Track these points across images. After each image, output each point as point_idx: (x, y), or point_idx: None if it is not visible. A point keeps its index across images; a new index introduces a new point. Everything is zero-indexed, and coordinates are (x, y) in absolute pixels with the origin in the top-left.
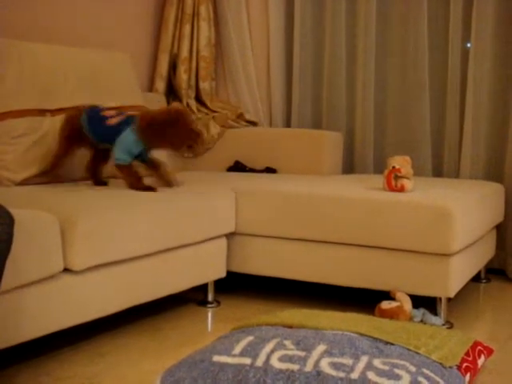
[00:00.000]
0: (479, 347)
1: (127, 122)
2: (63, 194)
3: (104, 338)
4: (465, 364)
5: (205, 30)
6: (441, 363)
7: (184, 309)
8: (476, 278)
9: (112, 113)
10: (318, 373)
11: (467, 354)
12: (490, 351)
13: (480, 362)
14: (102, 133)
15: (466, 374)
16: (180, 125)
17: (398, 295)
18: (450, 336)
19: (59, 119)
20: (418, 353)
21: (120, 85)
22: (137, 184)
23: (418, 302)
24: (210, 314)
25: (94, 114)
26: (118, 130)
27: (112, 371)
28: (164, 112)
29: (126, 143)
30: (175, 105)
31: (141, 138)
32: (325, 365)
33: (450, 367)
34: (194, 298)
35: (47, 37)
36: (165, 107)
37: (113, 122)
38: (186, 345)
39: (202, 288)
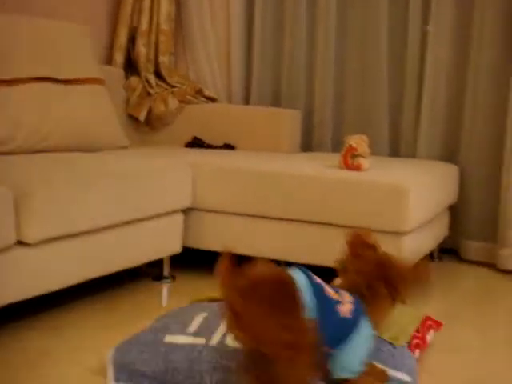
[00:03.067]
0: (428, 322)
1: (359, 307)
2: (18, 166)
3: (59, 312)
4: (415, 341)
5: (165, 4)
6: (391, 343)
7: (140, 283)
8: (429, 258)
9: (336, 295)
10: None
11: (417, 330)
12: (438, 325)
13: (429, 336)
14: (335, 329)
15: (415, 350)
16: None
17: None
18: (401, 313)
19: (14, 90)
20: None
21: (77, 56)
22: None
23: None
24: (165, 289)
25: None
26: (354, 323)
27: (66, 344)
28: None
29: (365, 344)
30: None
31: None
32: None
33: (401, 345)
34: (149, 272)
35: (4, 6)
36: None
37: (346, 309)
38: (141, 319)
39: (158, 263)
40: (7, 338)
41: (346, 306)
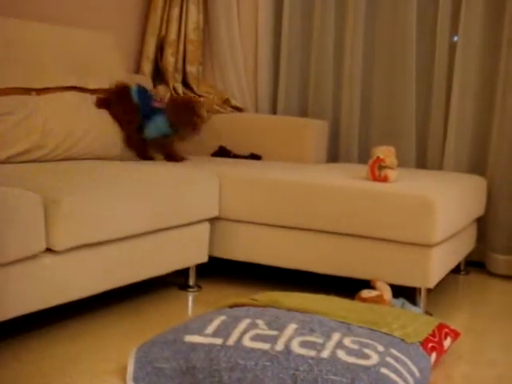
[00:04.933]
0: (446, 329)
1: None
2: (47, 173)
3: (86, 319)
4: (430, 344)
5: (193, 14)
6: (403, 339)
7: (165, 292)
8: (456, 270)
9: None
10: (289, 351)
11: (433, 334)
12: (456, 334)
13: (446, 343)
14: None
15: (431, 353)
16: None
17: (379, 284)
18: (415, 317)
19: (44, 99)
20: (380, 331)
21: (105, 66)
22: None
23: (398, 291)
24: (190, 298)
25: (143, 90)
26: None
27: (92, 352)
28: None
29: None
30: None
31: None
32: (295, 344)
33: (413, 343)
34: (175, 281)
35: (34, 14)
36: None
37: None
38: (166, 328)
39: (184, 272)
40: (34, 343)
41: (158, 103)
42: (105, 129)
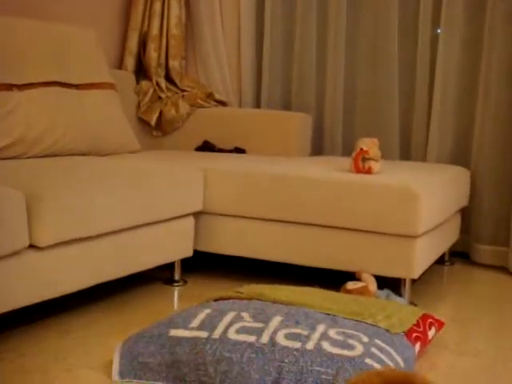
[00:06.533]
0: (430, 319)
1: None
2: (29, 170)
3: (70, 315)
4: (414, 334)
5: (175, 8)
6: (387, 330)
7: (150, 287)
8: (440, 261)
9: None
10: (274, 344)
11: (417, 325)
12: (440, 324)
13: (430, 333)
14: None
15: (415, 343)
16: None
17: (364, 276)
18: (400, 308)
19: (26, 94)
20: (365, 322)
21: (87, 61)
22: None
23: (383, 282)
24: (176, 293)
25: None
26: None
27: (78, 347)
28: None
29: None
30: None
31: None
32: (281, 336)
33: (397, 333)
34: (160, 276)
35: (14, 10)
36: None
37: None
38: (151, 323)
39: (169, 267)
40: (18, 340)
41: None
42: (88, 124)
